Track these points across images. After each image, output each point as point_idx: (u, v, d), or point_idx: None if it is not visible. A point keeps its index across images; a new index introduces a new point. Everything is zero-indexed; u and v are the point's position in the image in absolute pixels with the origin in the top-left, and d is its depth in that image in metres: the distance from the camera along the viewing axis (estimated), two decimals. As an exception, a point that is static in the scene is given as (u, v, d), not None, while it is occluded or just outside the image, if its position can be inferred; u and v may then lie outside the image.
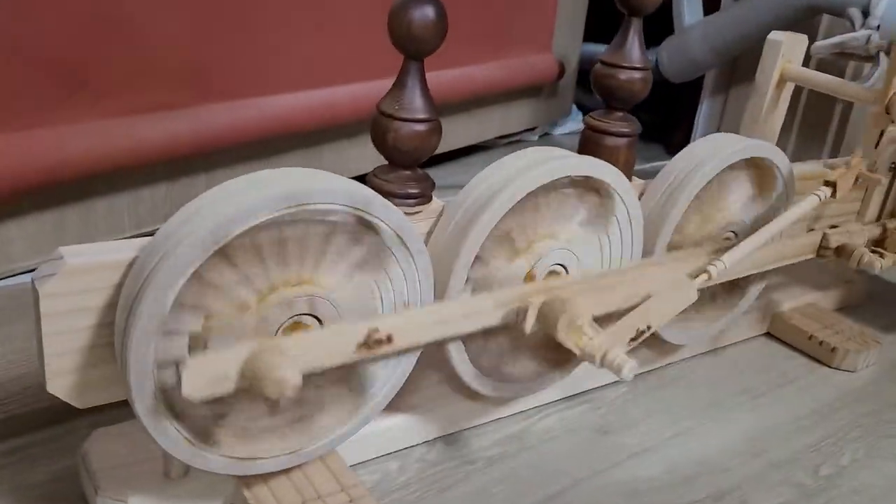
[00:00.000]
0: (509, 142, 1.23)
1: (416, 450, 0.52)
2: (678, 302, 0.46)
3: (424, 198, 0.45)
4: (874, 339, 0.69)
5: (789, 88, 0.62)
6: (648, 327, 0.45)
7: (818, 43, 0.79)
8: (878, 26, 0.75)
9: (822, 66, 0.94)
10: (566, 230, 0.50)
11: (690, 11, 1.02)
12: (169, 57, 0.68)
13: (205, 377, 0.35)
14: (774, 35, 0.60)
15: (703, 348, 0.67)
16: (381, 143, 0.43)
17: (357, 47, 0.84)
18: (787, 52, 0.60)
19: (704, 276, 0.48)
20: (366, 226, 0.40)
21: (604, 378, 0.61)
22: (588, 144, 0.53)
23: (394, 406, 0.51)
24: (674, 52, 1.03)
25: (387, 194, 0.44)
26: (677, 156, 0.55)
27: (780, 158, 0.57)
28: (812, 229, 0.65)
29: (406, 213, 0.44)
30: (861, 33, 0.77)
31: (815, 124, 1.01)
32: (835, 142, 1.01)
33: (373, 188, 0.44)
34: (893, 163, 0.71)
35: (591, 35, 1.27)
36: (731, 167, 0.58)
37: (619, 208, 0.50)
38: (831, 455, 0.56)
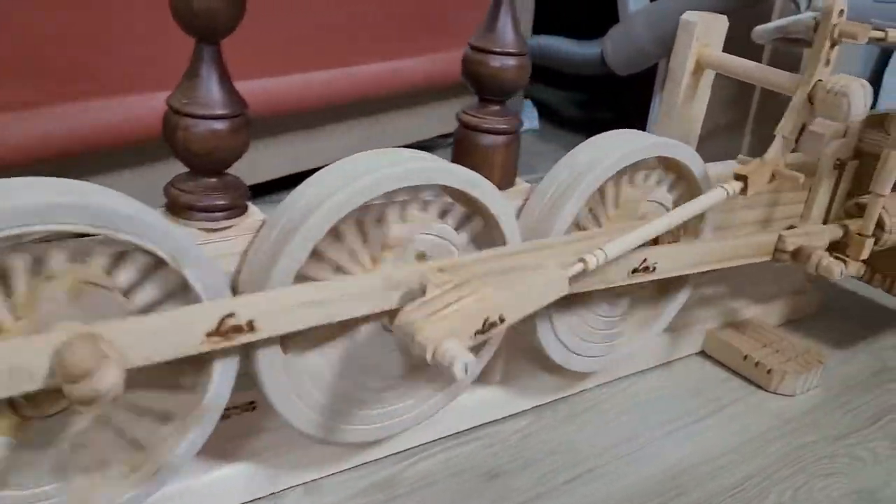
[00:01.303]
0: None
1: (262, 503, 0.45)
2: (545, 293, 0.39)
3: (235, 210, 0.37)
4: (818, 358, 0.61)
5: (709, 76, 0.54)
6: (501, 319, 0.37)
7: (759, 28, 0.71)
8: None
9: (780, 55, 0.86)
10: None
11: (635, -4, 0.94)
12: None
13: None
14: (688, 16, 0.52)
15: (624, 371, 0.60)
16: (172, 146, 0.35)
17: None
18: (702, 34, 0.52)
19: (580, 266, 0.41)
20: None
21: (503, 409, 0.54)
22: (461, 144, 0.46)
23: (235, 453, 0.43)
24: (618, 42, 0.95)
25: (184, 208, 0.36)
26: (563, 158, 0.47)
27: (689, 156, 0.49)
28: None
29: (209, 230, 0.36)
30: (806, 16, 0.68)
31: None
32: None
33: (169, 200, 0.37)
34: (839, 159, 0.63)
35: (543, 26, 1.20)
36: (643, 165, 0.51)
37: (492, 221, 0.43)
38: (754, 499, 0.49)
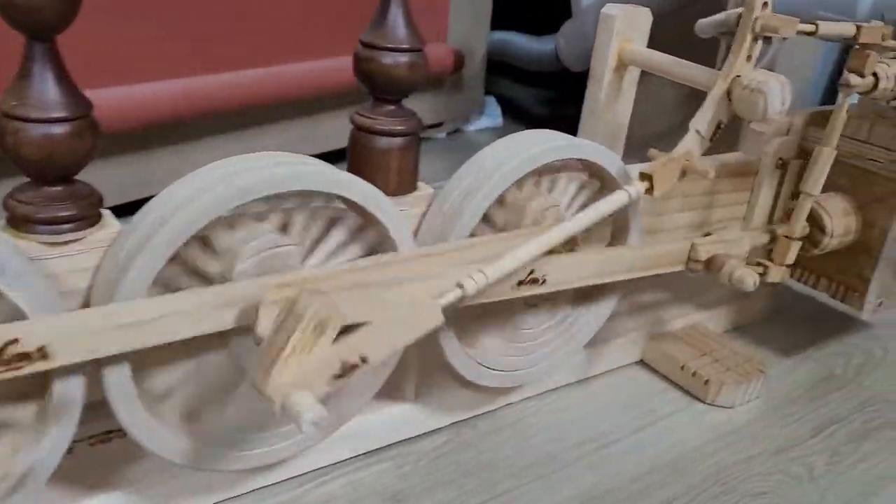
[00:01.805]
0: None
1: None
2: (414, 326, 0.35)
3: (84, 221, 0.34)
4: (759, 367, 0.58)
5: (633, 73, 0.51)
6: (363, 359, 0.33)
7: (701, 22, 0.67)
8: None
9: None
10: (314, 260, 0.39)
11: (589, -11, 0.91)
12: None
13: None
14: (609, 9, 0.49)
15: (553, 383, 0.57)
16: (5, 152, 0.32)
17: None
18: (624, 28, 0.49)
19: (456, 293, 0.37)
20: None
21: (416, 427, 0.51)
22: (356, 148, 0.43)
23: (109, 481, 0.40)
24: (571, 38, 0.92)
25: (22, 220, 0.33)
26: (470, 160, 0.44)
27: (605, 157, 0.46)
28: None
29: (52, 244, 0.33)
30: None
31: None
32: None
33: (8, 212, 0.33)
34: (781, 158, 0.60)
35: (502, 21, 1.17)
36: (561, 168, 0.48)
37: (382, 230, 0.40)
38: (678, 522, 0.46)
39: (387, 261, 0.38)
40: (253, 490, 0.45)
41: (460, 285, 0.37)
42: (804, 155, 0.61)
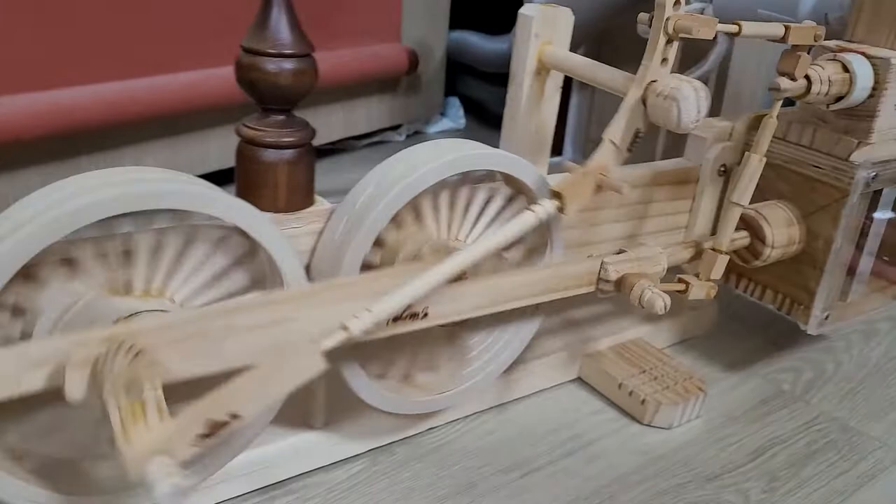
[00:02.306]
0: (371, 143, 1.09)
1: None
2: (291, 375, 0.32)
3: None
4: (699, 385, 0.55)
5: (556, 77, 0.48)
6: (233, 416, 0.30)
7: (644, 16, 0.65)
8: (711, -2, 0.61)
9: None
10: (187, 289, 0.36)
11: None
12: None
13: None
14: (526, 9, 0.46)
15: (480, 405, 0.54)
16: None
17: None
18: (543, 30, 0.46)
19: (340, 335, 0.34)
20: None
21: (326, 456, 0.48)
22: (242, 162, 0.39)
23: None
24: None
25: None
26: (369, 173, 0.41)
27: (521, 168, 0.43)
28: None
29: None
30: (693, 6, 0.63)
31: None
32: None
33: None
34: (723, 165, 0.58)
35: (461, 20, 1.14)
36: (484, 179, 0.45)
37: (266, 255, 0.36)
38: (597, 559, 0.43)
39: (258, 302, 0.34)
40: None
41: (345, 327, 0.34)
42: (748, 161, 0.58)
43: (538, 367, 0.56)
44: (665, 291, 0.48)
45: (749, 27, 0.44)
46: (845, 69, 0.49)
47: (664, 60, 0.40)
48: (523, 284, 0.45)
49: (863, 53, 0.50)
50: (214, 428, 0.30)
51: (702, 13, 0.62)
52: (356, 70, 0.93)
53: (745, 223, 0.55)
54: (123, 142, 0.74)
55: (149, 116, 0.73)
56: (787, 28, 0.45)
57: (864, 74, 0.49)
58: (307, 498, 0.45)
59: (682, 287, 0.50)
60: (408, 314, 0.39)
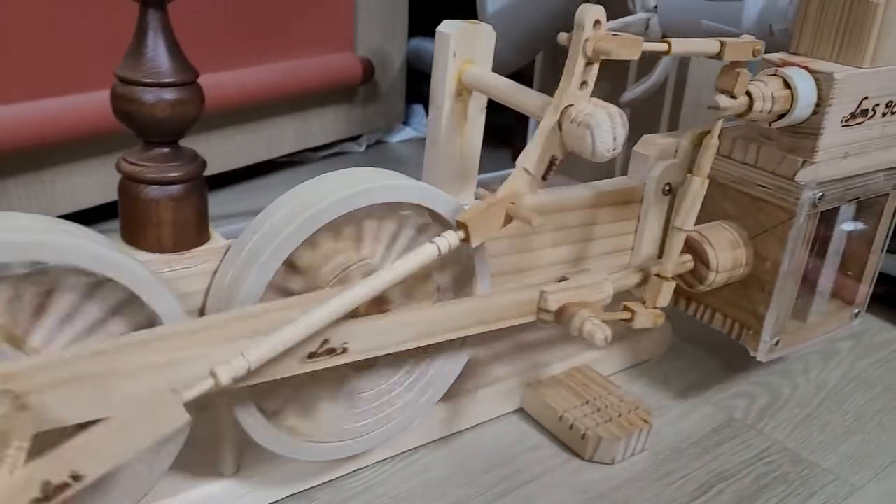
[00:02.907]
0: (330, 153, 1.06)
1: None
2: (147, 431, 0.29)
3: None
4: (643, 417, 0.53)
5: (481, 99, 0.45)
6: (75, 478, 0.27)
7: (564, 36, 0.62)
8: (656, 6, 0.58)
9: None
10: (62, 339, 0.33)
11: (493, -4, 0.85)
12: None
13: None
14: (444, 27, 0.43)
15: (414, 442, 0.51)
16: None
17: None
18: (462, 48, 0.43)
19: (207, 383, 0.31)
20: None
21: (252, 499, 0.44)
22: (124, 199, 0.36)
23: None
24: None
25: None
26: (266, 208, 0.38)
27: (431, 198, 0.40)
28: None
29: None
30: (637, 17, 0.60)
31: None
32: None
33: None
34: (668, 184, 0.55)
35: (421, 27, 1.11)
36: (394, 209, 0.42)
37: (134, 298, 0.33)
38: None
39: (120, 345, 0.31)
40: None
41: (213, 374, 0.31)
42: (694, 179, 0.55)
43: (479, 398, 0.53)
44: (610, 320, 0.46)
45: (679, 45, 0.41)
46: (787, 85, 0.46)
47: (583, 84, 0.37)
48: (455, 316, 0.42)
49: (805, 68, 0.47)
50: (52, 492, 0.27)
51: (647, 25, 0.59)
52: (307, 81, 0.90)
53: (689, 246, 0.52)
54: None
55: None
56: (722, 44, 0.43)
57: (806, 90, 0.46)
58: (216, 552, 0.42)
59: (627, 315, 0.48)
60: (323, 350, 0.37)
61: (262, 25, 0.85)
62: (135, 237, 0.36)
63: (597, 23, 0.37)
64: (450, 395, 0.52)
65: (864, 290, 0.58)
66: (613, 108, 0.36)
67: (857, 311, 0.58)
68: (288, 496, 0.46)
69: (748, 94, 0.45)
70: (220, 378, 0.31)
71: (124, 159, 0.36)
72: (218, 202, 0.83)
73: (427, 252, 0.36)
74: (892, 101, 0.50)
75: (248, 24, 0.83)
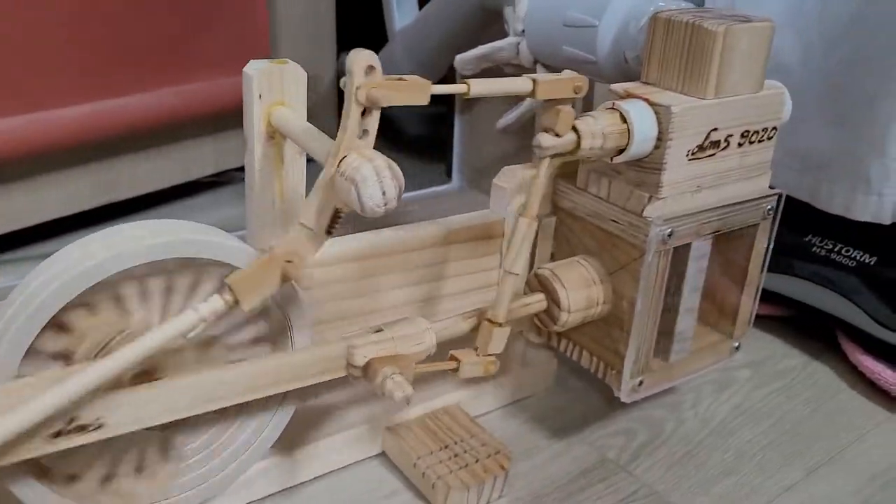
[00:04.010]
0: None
1: None
2: None
3: None
4: (501, 463, 0.50)
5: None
6: None
7: (461, 56, 0.60)
8: (524, 31, 0.56)
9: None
10: None
11: (402, 11, 0.83)
12: None
13: None
14: (249, 68, 0.41)
15: (257, 493, 0.49)
16: None
17: None
18: (268, 90, 0.41)
19: None
20: None
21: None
22: None
23: None
24: (385, 66, 0.83)
25: None
26: (37, 268, 0.37)
27: (225, 252, 0.38)
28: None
29: None
30: (507, 41, 0.58)
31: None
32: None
33: None
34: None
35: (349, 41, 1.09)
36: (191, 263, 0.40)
37: None
38: None
39: None
40: None
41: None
42: (558, 211, 0.53)
43: (336, 442, 0.51)
44: (435, 370, 0.44)
45: (481, 86, 0.39)
46: (624, 119, 0.44)
47: (364, 132, 0.35)
48: (244, 377, 0.40)
49: (646, 100, 0.45)
50: None
51: (517, 49, 0.57)
52: (216, 102, 0.88)
53: (542, 285, 0.50)
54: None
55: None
56: (535, 82, 0.40)
57: (644, 124, 0.44)
58: None
59: (452, 365, 0.45)
60: (73, 427, 0.35)
61: (168, 48, 0.83)
62: None
63: (369, 68, 0.34)
64: (304, 441, 0.50)
65: (743, 322, 0.55)
66: (381, 162, 0.34)
67: (736, 344, 0.56)
68: (109, 557, 0.44)
69: (576, 130, 0.42)
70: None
71: None
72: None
73: (187, 319, 0.34)
74: (748, 132, 0.48)
75: (154, 47, 0.82)
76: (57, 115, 0.74)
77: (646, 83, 0.48)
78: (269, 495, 0.49)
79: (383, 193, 0.33)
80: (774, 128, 0.50)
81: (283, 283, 0.36)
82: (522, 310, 0.49)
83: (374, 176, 0.33)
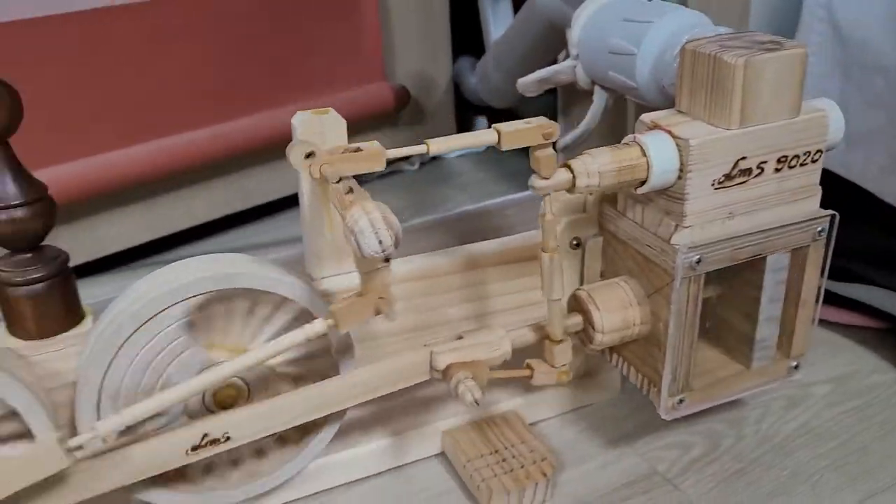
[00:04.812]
0: (385, 173, 1.12)
1: None
2: (29, 468, 0.38)
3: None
4: (544, 470, 0.54)
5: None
6: None
7: (522, 80, 0.63)
8: (577, 55, 0.58)
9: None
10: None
11: (497, 24, 0.86)
12: None
13: None
14: (295, 118, 0.46)
15: (329, 482, 0.55)
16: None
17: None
18: (311, 138, 0.46)
19: (91, 434, 0.39)
20: None
21: None
22: (0, 297, 0.44)
23: None
24: (480, 76, 0.87)
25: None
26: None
27: (283, 287, 0.45)
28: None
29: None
30: (566, 64, 0.60)
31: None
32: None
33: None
34: (576, 238, 0.55)
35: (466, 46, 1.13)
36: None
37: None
38: None
39: None
40: None
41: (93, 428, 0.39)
42: (604, 232, 0.55)
43: (398, 443, 0.57)
44: (510, 377, 0.49)
45: (441, 144, 0.43)
46: (644, 152, 0.46)
47: (350, 189, 0.40)
48: (346, 387, 0.47)
49: (669, 132, 0.46)
50: None
51: (574, 71, 0.59)
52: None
53: (579, 306, 0.52)
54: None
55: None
56: (499, 133, 0.44)
57: (664, 157, 0.45)
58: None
59: (527, 373, 0.50)
60: (206, 442, 0.43)
61: (281, 68, 0.91)
62: (10, 327, 0.44)
63: (308, 154, 0.40)
64: (369, 438, 0.56)
65: (799, 342, 0.55)
66: (376, 215, 0.38)
67: (795, 363, 0.55)
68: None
69: (570, 170, 0.45)
70: (98, 431, 0.39)
71: (-2, 266, 0.44)
72: (270, 229, 0.91)
73: (296, 336, 0.41)
74: (785, 157, 0.48)
75: (267, 67, 0.90)
76: (187, 138, 0.85)
77: (679, 111, 0.49)
78: (338, 486, 0.56)
79: (380, 242, 0.38)
80: (819, 150, 0.49)
81: (375, 315, 0.42)
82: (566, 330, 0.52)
83: (370, 228, 0.38)
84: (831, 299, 0.70)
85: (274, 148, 0.94)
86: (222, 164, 0.90)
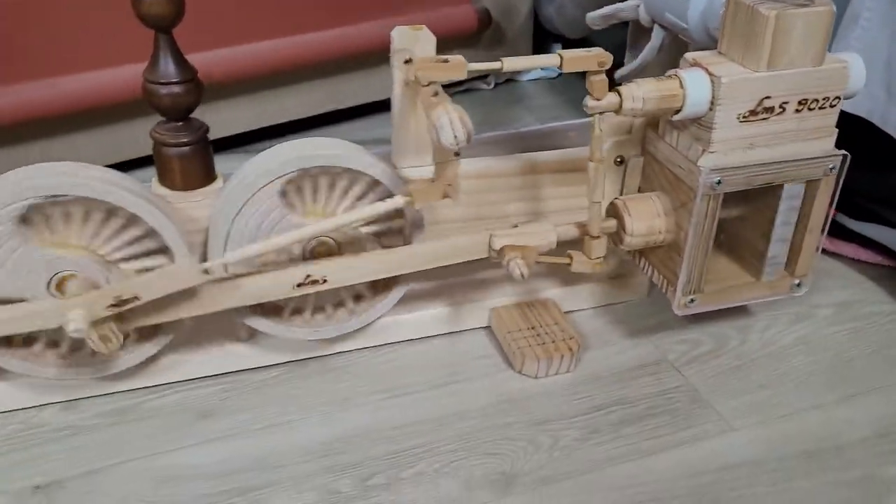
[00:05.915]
0: (461, 90, 1.21)
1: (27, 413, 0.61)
2: (173, 280, 0.51)
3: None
4: (570, 345, 0.65)
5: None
6: (136, 297, 0.50)
7: (591, 14, 0.71)
8: (643, -7, 0.66)
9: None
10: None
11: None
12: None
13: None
14: (394, 31, 0.56)
15: (391, 337, 0.67)
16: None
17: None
18: (405, 47, 0.56)
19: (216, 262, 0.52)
20: None
21: (250, 361, 0.64)
22: (156, 155, 0.56)
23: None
24: (556, 6, 0.94)
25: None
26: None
27: (363, 163, 0.56)
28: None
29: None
30: (629, 3, 0.68)
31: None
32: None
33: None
34: (619, 156, 0.64)
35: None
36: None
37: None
38: (402, 466, 0.56)
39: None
40: (111, 393, 0.62)
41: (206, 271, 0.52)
42: (645, 152, 0.64)
43: (454, 313, 0.69)
44: (554, 262, 0.61)
45: (513, 62, 0.52)
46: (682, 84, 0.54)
47: (436, 93, 0.50)
48: (418, 255, 0.58)
49: (706, 69, 0.54)
50: (120, 302, 0.49)
51: (636, 10, 0.67)
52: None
53: (615, 212, 0.62)
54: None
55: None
56: (561, 57, 0.52)
57: (698, 90, 0.54)
58: (226, 390, 0.63)
59: (567, 260, 0.60)
60: (308, 280, 0.55)
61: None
62: (161, 180, 0.56)
63: (407, 61, 0.50)
64: (432, 305, 0.68)
65: (804, 263, 0.63)
66: (454, 114, 0.48)
67: (797, 281, 0.64)
68: (289, 361, 0.65)
69: (619, 93, 0.54)
70: (211, 269, 0.52)
71: (154, 130, 0.55)
72: (364, 128, 1.05)
73: (383, 205, 0.53)
74: (805, 100, 0.56)
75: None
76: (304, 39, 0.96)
77: (720, 52, 0.57)
78: (403, 341, 0.68)
79: (455, 136, 0.48)
80: (838, 97, 0.56)
81: (442, 199, 0.53)
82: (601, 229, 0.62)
83: (448, 124, 0.48)
84: (850, 236, 0.78)
85: (367, 56, 1.04)
86: (322, 67, 1.01)
